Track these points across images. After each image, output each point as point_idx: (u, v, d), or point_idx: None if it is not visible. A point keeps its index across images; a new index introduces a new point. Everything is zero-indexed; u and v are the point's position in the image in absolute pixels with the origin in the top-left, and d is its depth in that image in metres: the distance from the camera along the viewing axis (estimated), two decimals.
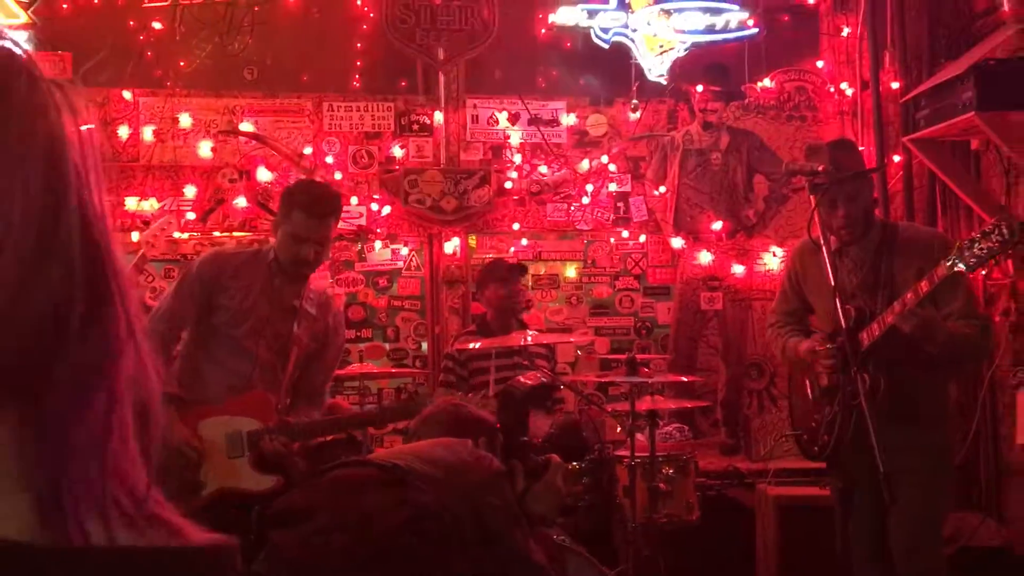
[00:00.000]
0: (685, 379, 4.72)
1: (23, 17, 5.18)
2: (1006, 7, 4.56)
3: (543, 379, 4.32)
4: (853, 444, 3.09)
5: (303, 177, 5.21)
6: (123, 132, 5.51)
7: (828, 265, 3.00)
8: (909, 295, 3.01)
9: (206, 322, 3.46)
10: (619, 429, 4.69)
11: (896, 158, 5.45)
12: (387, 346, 5.77)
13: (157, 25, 5.43)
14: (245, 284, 3.45)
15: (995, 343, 3.07)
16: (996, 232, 2.74)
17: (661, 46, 5.62)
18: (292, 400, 3.55)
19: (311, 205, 3.42)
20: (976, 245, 2.79)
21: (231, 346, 3.42)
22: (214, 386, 3.39)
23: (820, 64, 6.05)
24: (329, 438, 3.68)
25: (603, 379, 5.36)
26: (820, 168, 3.16)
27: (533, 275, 5.91)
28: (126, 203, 5.45)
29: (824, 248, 3.01)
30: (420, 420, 2.52)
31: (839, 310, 2.97)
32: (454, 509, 1.96)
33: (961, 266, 2.82)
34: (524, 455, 2.43)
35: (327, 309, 3.62)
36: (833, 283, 2.98)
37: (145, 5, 5.33)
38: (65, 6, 5.40)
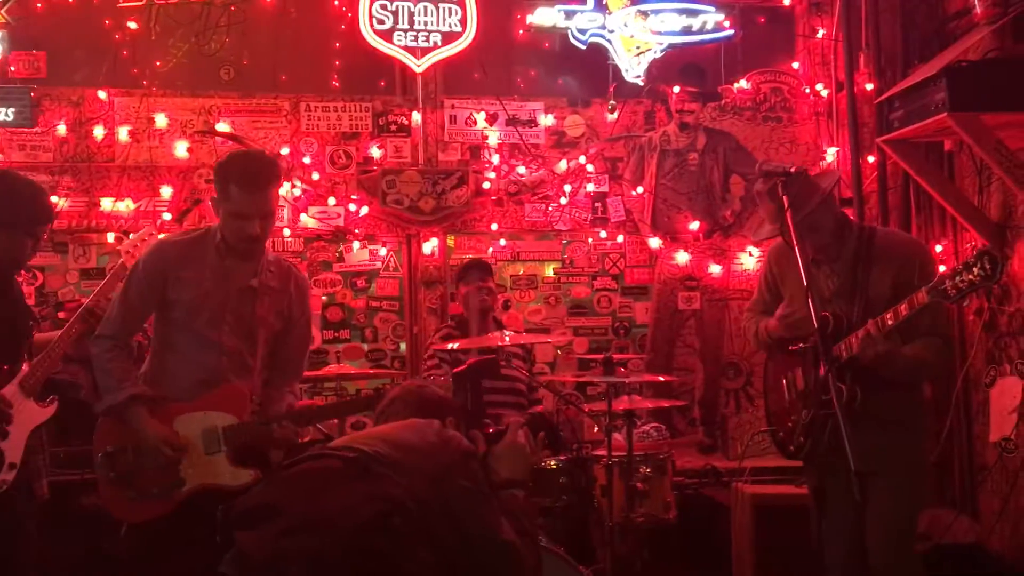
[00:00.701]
0: (662, 379, 4.74)
1: None
2: (978, 9, 4.60)
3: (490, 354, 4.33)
4: (828, 444, 3.12)
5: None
6: (98, 132, 5.47)
7: (802, 268, 3.02)
8: (888, 316, 3.04)
9: (164, 318, 3.31)
10: (596, 429, 4.70)
11: (871, 159, 5.50)
12: (365, 347, 5.77)
13: (132, 25, 5.40)
14: (195, 272, 3.28)
15: (952, 358, 3.10)
16: (979, 266, 2.77)
17: (638, 47, 5.64)
18: (269, 377, 3.42)
19: (248, 179, 3.21)
20: (958, 277, 2.82)
21: (194, 339, 3.27)
22: (184, 382, 3.27)
23: (796, 65, 6.09)
24: (307, 439, 3.65)
25: (581, 379, 5.38)
26: (792, 169, 3.19)
27: (511, 275, 5.92)
28: (101, 204, 5.43)
29: (797, 250, 3.03)
30: (387, 402, 2.46)
31: (812, 314, 2.99)
32: (422, 496, 1.93)
33: (941, 297, 2.87)
34: (480, 424, 2.41)
35: (288, 278, 3.43)
36: (806, 283, 3.00)
37: (120, 5, 5.29)
38: (39, 5, 5.36)
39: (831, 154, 5.85)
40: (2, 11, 5.15)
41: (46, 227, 3.41)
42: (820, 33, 5.93)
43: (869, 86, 5.47)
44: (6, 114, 5.27)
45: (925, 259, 3.38)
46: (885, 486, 3.08)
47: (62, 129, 5.44)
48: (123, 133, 5.49)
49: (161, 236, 3.72)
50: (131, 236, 3.75)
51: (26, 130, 5.39)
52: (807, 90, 6.02)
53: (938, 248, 5.24)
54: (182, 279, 3.27)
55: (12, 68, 5.36)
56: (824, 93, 5.94)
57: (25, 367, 3.31)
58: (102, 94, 5.49)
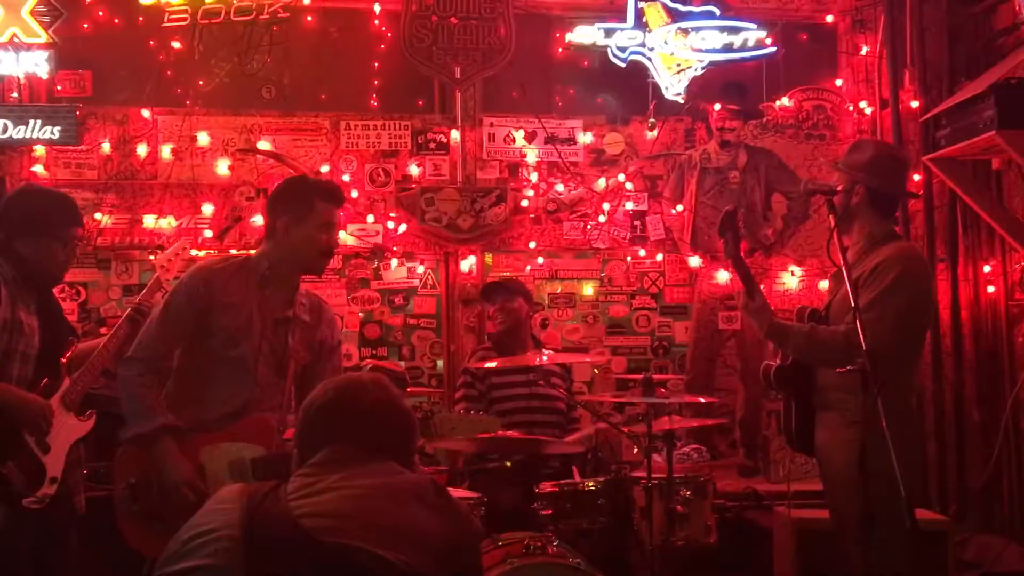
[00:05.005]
0: (703, 399, 4.66)
1: (44, 37, 5.23)
2: None
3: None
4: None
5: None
6: (142, 151, 5.55)
7: (848, 283, 2.93)
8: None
9: (199, 345, 3.21)
10: (636, 450, 4.64)
11: (916, 177, 5.40)
12: (403, 364, 5.76)
13: (176, 44, 5.47)
14: (238, 300, 3.21)
15: (855, 351, 2.72)
16: None
17: (678, 65, 5.61)
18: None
19: (330, 191, 3.31)
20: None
21: (229, 367, 3.17)
22: (213, 411, 3.15)
23: (839, 83, 6.02)
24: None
25: (620, 399, 5.31)
26: (839, 187, 3.13)
27: (549, 294, 5.90)
28: (144, 221, 5.49)
29: (844, 268, 2.95)
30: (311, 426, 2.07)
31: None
32: None
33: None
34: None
35: (320, 314, 3.40)
36: (853, 302, 2.93)
37: (164, 25, 5.36)
38: (86, 26, 5.46)
39: None
40: (48, 32, 5.24)
41: (75, 231, 3.41)
42: (864, 50, 5.86)
43: (914, 104, 5.39)
44: (52, 132, 5.35)
45: (886, 263, 3.19)
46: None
47: (107, 147, 5.52)
48: (166, 151, 5.57)
49: (196, 252, 3.72)
50: (166, 250, 3.76)
51: (72, 148, 5.47)
52: (851, 108, 5.94)
53: (986, 268, 5.13)
54: (226, 305, 3.20)
55: (59, 87, 5.45)
56: (868, 111, 5.86)
57: (66, 381, 3.34)
58: (146, 113, 5.57)
